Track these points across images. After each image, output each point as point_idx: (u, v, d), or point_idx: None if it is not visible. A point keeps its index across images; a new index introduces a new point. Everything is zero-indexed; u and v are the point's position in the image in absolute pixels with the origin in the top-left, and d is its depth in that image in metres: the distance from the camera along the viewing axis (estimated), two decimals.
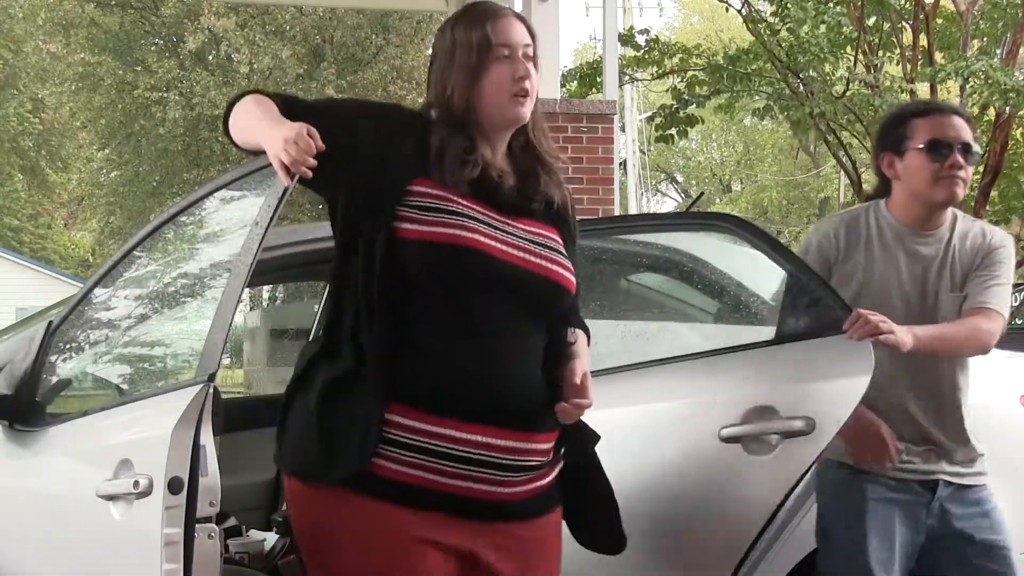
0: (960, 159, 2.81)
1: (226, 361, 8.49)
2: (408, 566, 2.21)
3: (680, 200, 40.03)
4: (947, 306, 2.85)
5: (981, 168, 13.51)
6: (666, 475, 2.99)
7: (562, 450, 2.38)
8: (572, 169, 7.69)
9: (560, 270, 2.32)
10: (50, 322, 2.93)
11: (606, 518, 2.48)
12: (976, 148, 2.86)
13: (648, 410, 3.06)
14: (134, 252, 2.97)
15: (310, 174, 2.13)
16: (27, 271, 28.35)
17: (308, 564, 2.29)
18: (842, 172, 21.20)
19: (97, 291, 3.02)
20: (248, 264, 2.41)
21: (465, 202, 2.25)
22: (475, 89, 2.30)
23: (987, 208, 14.10)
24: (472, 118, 2.31)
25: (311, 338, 3.18)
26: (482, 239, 2.23)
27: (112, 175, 25.06)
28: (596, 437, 2.46)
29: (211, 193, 2.84)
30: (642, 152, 29.08)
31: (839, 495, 2.92)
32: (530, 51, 2.38)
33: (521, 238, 2.30)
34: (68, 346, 3.07)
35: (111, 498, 2.50)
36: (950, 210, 2.92)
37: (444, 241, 2.20)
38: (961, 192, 2.84)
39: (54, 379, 3.00)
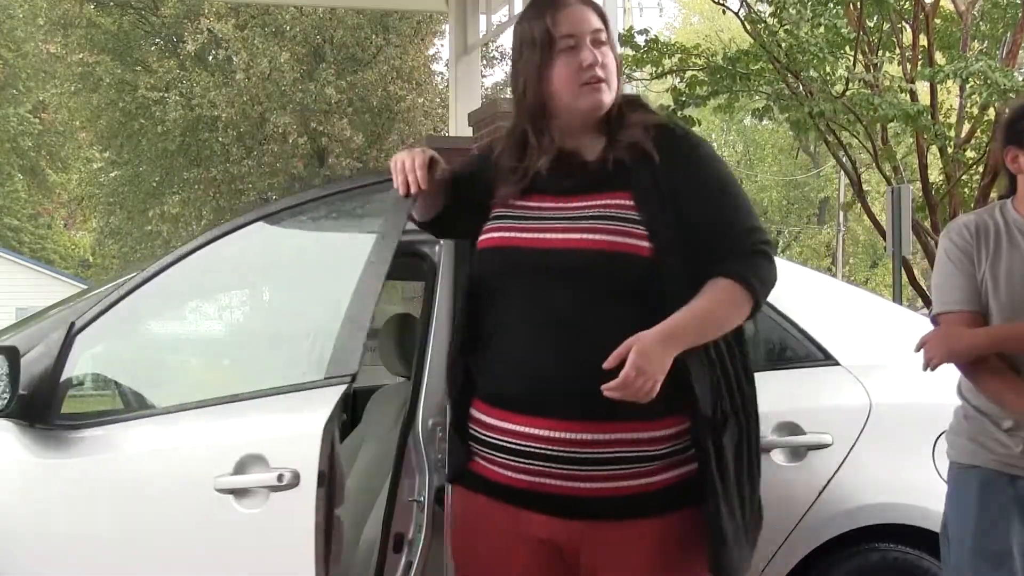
0: None
1: None
2: (498, 557, 2.28)
3: None
4: None
5: (981, 168, 13.51)
6: None
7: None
8: None
9: (594, 236, 2.21)
10: (72, 323, 2.94)
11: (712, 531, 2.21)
12: None
13: None
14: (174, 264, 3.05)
15: (422, 186, 2.30)
16: (27, 271, 28.36)
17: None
18: (842, 172, 21.21)
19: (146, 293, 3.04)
20: (382, 274, 2.61)
21: (520, 202, 2.30)
22: (544, 85, 2.28)
23: None
24: (548, 113, 2.31)
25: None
26: (513, 234, 2.27)
27: (112, 175, 25.06)
28: (723, 422, 2.21)
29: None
30: None
31: (954, 495, 2.82)
32: (601, 36, 2.32)
33: (564, 218, 2.25)
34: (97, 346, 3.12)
35: (233, 492, 2.64)
36: None
37: (488, 246, 2.30)
38: None
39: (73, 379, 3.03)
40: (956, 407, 2.90)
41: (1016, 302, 2.70)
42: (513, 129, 2.37)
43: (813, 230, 34.92)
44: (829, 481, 3.19)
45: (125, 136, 23.43)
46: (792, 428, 3.22)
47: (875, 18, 13.59)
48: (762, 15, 13.35)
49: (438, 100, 23.00)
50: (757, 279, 2.24)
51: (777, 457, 3.19)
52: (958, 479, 2.82)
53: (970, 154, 13.36)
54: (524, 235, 2.28)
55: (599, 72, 2.28)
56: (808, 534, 3.18)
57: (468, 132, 8.38)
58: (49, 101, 27.11)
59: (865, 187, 15.80)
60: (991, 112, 13.20)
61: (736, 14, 13.59)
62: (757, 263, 2.25)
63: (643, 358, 2.09)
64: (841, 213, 29.93)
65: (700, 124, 14.11)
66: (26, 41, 27.61)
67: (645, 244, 2.21)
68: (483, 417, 2.28)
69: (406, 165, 2.32)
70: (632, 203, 2.25)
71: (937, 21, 13.71)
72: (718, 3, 14.20)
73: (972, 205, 13.16)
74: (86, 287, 8.46)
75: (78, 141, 28.81)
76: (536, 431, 2.19)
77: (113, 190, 24.88)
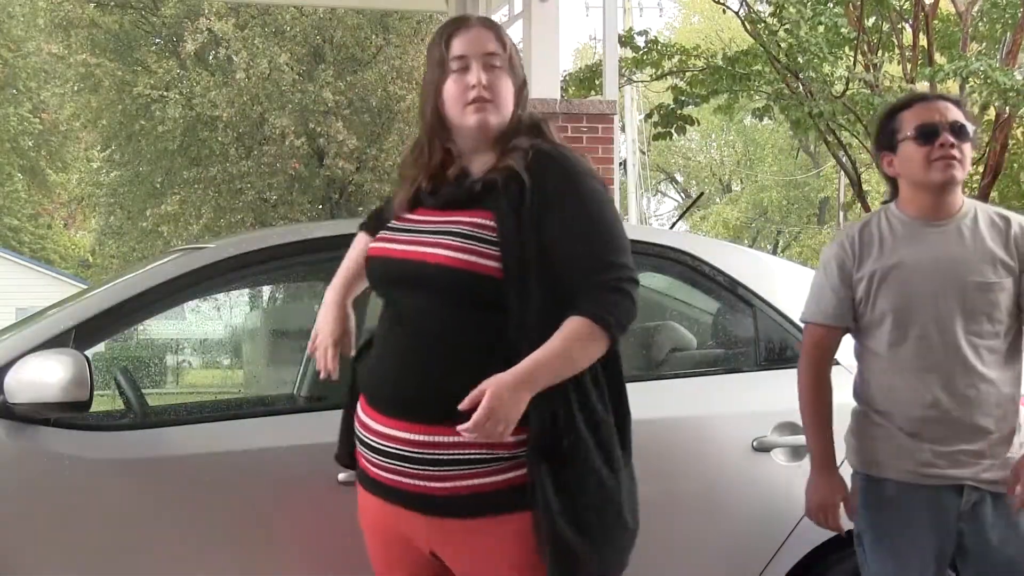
0: (950, 138, 2.80)
1: (225, 361, 8.55)
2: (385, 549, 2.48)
3: (680, 200, 40.02)
4: (985, 293, 2.79)
5: (981, 168, 13.51)
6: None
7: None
8: None
9: (431, 250, 2.32)
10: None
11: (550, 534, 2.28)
12: (969, 127, 2.83)
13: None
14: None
15: (333, 377, 2.53)
16: (27, 271, 28.35)
17: None
18: (842, 172, 21.20)
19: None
20: None
21: (405, 215, 2.47)
22: (439, 103, 2.43)
23: None
24: (445, 132, 2.45)
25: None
26: (383, 244, 2.45)
27: (112, 175, 25.03)
28: (566, 433, 2.29)
29: None
30: (642, 152, 29.08)
31: (866, 507, 2.89)
32: (495, 60, 2.43)
33: (425, 232, 2.38)
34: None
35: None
36: (967, 200, 2.89)
37: (368, 256, 2.51)
38: (959, 172, 2.80)
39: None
40: (854, 408, 2.95)
41: (905, 294, 2.79)
42: (415, 143, 2.53)
43: (813, 230, 34.94)
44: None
45: (125, 136, 23.41)
46: (792, 428, 3.23)
47: (874, 19, 13.59)
48: (762, 15, 13.35)
49: None
50: (613, 318, 2.31)
51: (777, 457, 3.19)
52: (869, 491, 2.87)
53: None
54: (391, 246, 2.44)
55: (483, 93, 2.39)
56: (808, 534, 3.17)
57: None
58: (49, 101, 27.10)
59: (865, 187, 15.79)
60: (991, 112, 13.21)
61: (736, 14, 13.59)
62: (615, 301, 2.32)
63: (496, 401, 2.18)
64: (841, 213, 29.93)
65: (700, 124, 14.12)
66: (26, 41, 27.60)
67: (495, 264, 2.31)
68: (360, 415, 2.46)
69: (318, 354, 2.56)
70: (492, 223, 2.33)
71: (936, 22, 13.71)
72: (718, 2, 14.21)
73: None
74: (86, 287, 8.51)
75: (78, 141, 28.81)
76: (392, 431, 2.34)
77: (113, 190, 24.86)
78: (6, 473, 2.89)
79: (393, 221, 2.50)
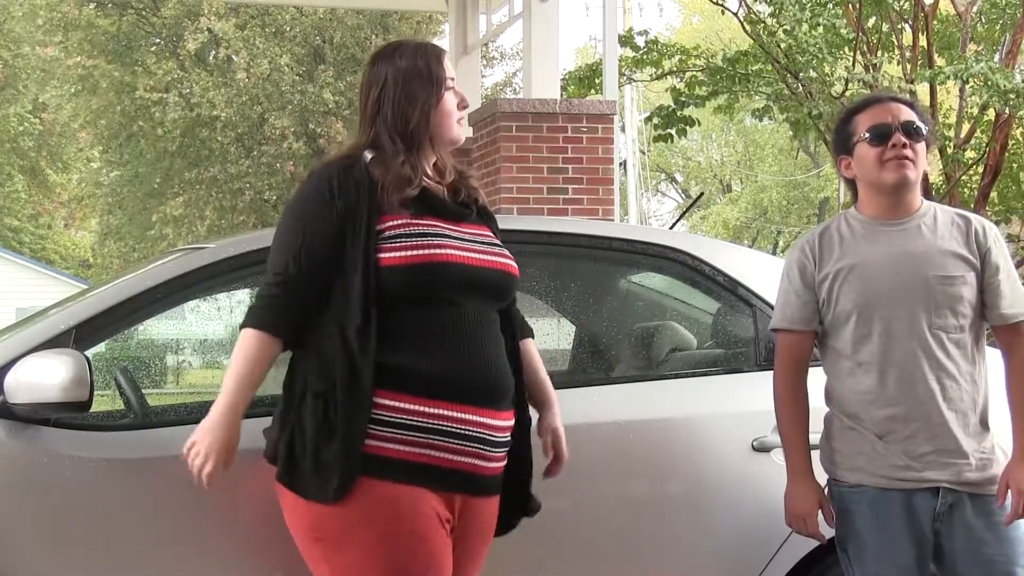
0: (902, 139, 2.82)
1: (226, 361, 8.53)
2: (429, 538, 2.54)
3: (680, 200, 40.03)
4: (948, 287, 2.81)
5: (981, 168, 13.51)
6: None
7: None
8: (572, 169, 7.69)
9: (510, 262, 2.73)
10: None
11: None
12: (922, 126, 2.86)
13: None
14: None
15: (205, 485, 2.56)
16: (27, 271, 28.36)
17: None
18: None
19: None
20: None
21: (425, 221, 2.60)
22: (432, 116, 2.67)
23: (987, 208, 14.08)
24: (425, 142, 2.69)
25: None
26: (452, 252, 2.59)
27: (112, 175, 25.05)
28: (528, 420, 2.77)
29: None
30: (642, 152, 29.09)
31: (845, 516, 2.90)
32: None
33: (475, 241, 2.67)
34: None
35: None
36: (926, 202, 2.91)
37: (424, 261, 2.56)
38: (911, 172, 2.83)
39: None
40: (826, 414, 2.96)
41: (867, 291, 2.83)
42: (390, 156, 2.68)
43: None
44: (830, 480, 3.18)
45: (125, 136, 23.42)
46: None
47: (873, 19, 13.59)
48: (761, 15, 13.35)
49: None
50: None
51: (777, 457, 3.19)
52: (846, 499, 2.88)
53: (970, 154, 13.35)
54: (468, 255, 2.68)
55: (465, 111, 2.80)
56: None
57: (468, 132, 8.38)
58: (49, 101, 27.10)
59: None
60: (991, 112, 13.21)
61: (735, 15, 13.59)
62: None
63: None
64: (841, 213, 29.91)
65: (700, 125, 14.12)
66: (26, 41, 27.59)
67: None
68: (404, 405, 2.59)
69: (198, 463, 2.55)
70: (493, 235, 2.84)
71: (936, 23, 13.71)
72: (716, 3, 14.21)
73: (972, 206, 13.16)
74: (86, 287, 8.51)
75: (78, 141, 28.81)
76: (489, 420, 2.63)
77: (113, 190, 24.88)
78: (6, 473, 2.88)
79: (434, 226, 2.62)
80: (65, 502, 2.90)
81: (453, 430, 2.53)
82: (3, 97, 29.34)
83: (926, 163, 2.89)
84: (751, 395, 3.22)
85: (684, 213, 5.35)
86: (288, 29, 21.85)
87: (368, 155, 2.65)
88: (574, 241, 3.57)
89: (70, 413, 2.84)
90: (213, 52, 23.33)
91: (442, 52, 2.75)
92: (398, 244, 2.56)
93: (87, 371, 2.78)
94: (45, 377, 2.77)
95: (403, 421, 2.50)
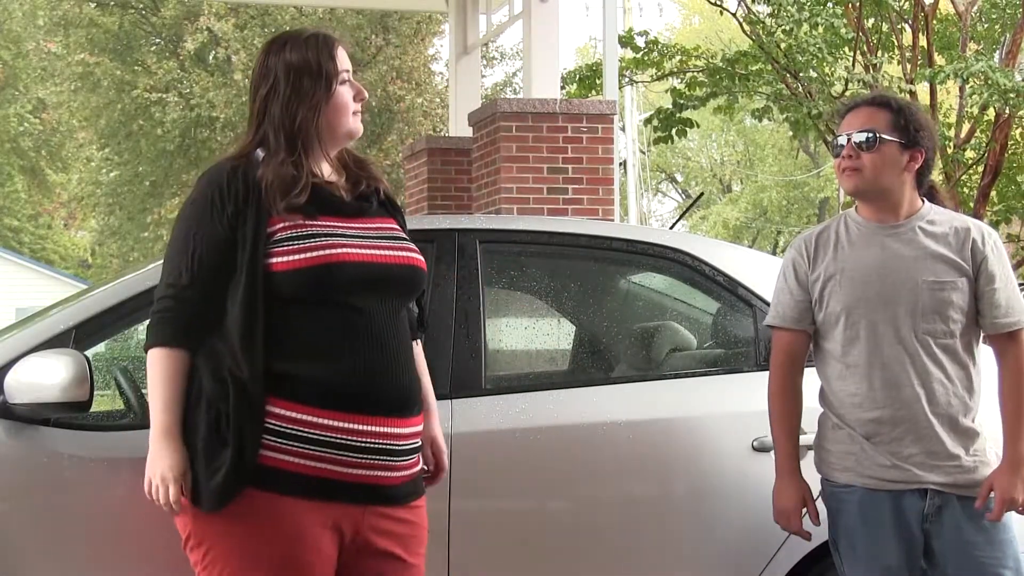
0: (848, 151, 2.84)
1: None
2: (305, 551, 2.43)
3: (680, 200, 40.02)
4: (937, 292, 2.81)
5: (981, 168, 13.51)
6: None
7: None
8: (572, 169, 7.68)
9: (415, 255, 2.61)
10: None
11: None
12: (874, 131, 2.83)
13: None
14: None
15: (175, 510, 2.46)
16: (27, 271, 28.34)
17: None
18: None
19: None
20: None
21: (318, 221, 2.49)
22: (323, 112, 2.55)
23: (987, 208, 14.09)
24: (314, 139, 2.55)
25: None
26: (348, 251, 2.47)
27: (111, 175, 25.04)
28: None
29: None
30: (642, 152, 29.08)
31: (836, 516, 2.91)
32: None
33: (376, 237, 2.55)
34: None
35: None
36: (929, 206, 2.91)
37: (316, 263, 2.44)
38: (859, 181, 2.84)
39: None
40: (820, 415, 2.96)
41: (855, 294, 2.84)
42: (275, 155, 2.56)
43: None
44: (823, 480, 3.18)
45: (124, 136, 23.42)
46: None
47: (873, 19, 13.59)
48: (760, 15, 13.36)
49: (438, 100, 23.00)
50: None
51: None
52: (837, 499, 2.89)
53: (970, 154, 13.36)
54: (362, 251, 2.55)
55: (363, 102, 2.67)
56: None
57: (468, 132, 8.38)
58: (49, 101, 27.10)
59: None
60: (991, 112, 13.21)
61: (734, 15, 13.60)
62: None
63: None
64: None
65: (699, 126, 14.13)
66: (26, 41, 27.58)
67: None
68: (296, 415, 2.50)
69: (162, 495, 2.46)
70: (399, 229, 2.72)
71: (935, 23, 13.71)
72: (714, 3, 14.21)
73: (972, 205, 13.17)
74: (86, 287, 8.48)
75: (78, 141, 28.79)
76: (387, 429, 2.51)
77: (113, 190, 24.87)
78: (6, 473, 2.89)
79: (327, 226, 2.50)
80: (65, 502, 2.91)
81: (347, 442, 2.43)
82: (3, 97, 29.32)
83: (896, 168, 2.84)
84: (751, 395, 3.22)
85: (684, 213, 5.35)
86: (288, 29, 21.84)
87: (260, 154, 2.55)
88: (574, 241, 3.57)
89: (70, 413, 2.85)
90: (213, 52, 23.32)
91: (335, 42, 2.61)
92: (288, 248, 2.46)
93: (87, 371, 2.78)
94: (45, 377, 2.77)
95: (296, 432, 2.42)
